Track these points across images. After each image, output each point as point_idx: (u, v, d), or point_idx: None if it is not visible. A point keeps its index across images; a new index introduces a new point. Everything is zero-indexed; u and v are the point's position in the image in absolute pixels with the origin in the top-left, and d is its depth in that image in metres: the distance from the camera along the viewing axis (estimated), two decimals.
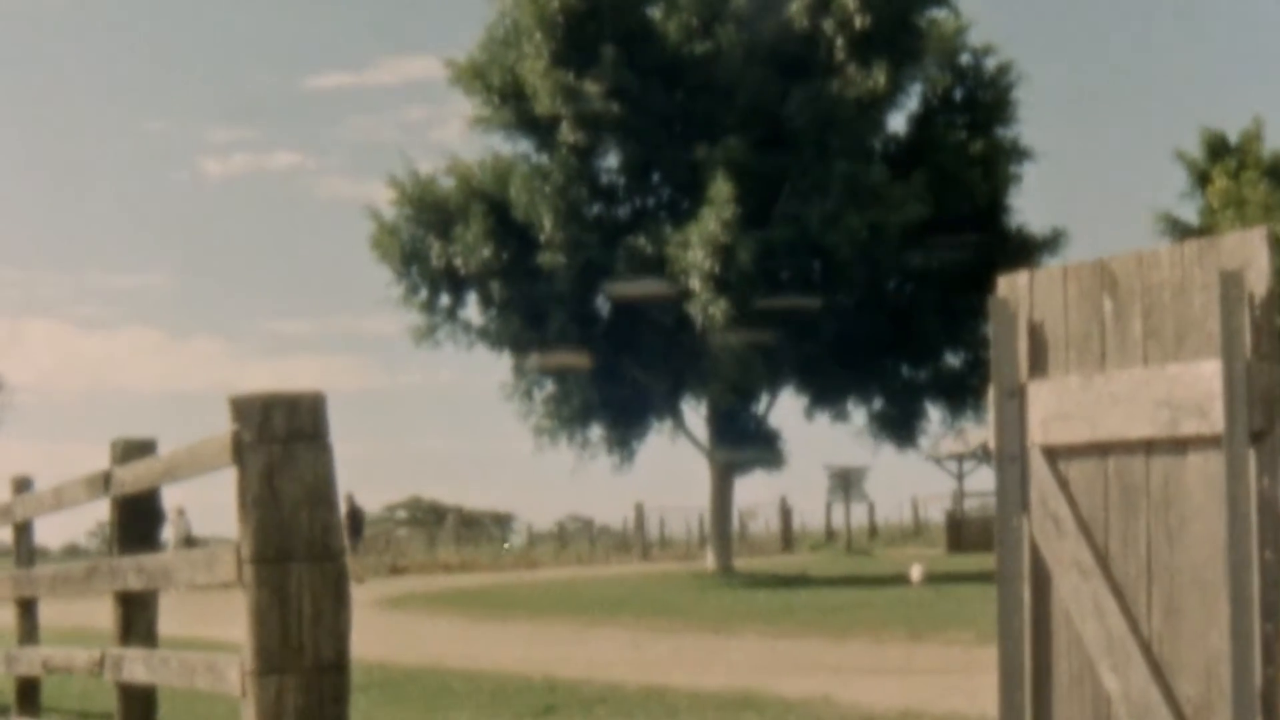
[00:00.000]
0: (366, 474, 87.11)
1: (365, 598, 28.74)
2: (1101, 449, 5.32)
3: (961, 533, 50.17)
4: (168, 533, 35.75)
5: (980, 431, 43.31)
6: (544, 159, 37.89)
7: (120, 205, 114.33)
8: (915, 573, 30.08)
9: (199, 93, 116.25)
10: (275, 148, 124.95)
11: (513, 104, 37.64)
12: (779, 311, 35.31)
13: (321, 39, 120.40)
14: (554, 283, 36.55)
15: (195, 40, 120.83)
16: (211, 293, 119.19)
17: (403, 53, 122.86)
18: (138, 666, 7.04)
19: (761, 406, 39.90)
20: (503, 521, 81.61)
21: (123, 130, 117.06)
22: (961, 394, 38.72)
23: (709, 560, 40.08)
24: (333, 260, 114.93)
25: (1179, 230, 39.44)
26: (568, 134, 36.58)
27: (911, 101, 39.14)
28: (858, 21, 35.93)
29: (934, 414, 40.21)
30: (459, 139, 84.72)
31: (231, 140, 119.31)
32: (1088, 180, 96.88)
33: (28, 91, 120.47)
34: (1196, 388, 4.93)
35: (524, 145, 38.73)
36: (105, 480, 7.42)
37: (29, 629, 10.23)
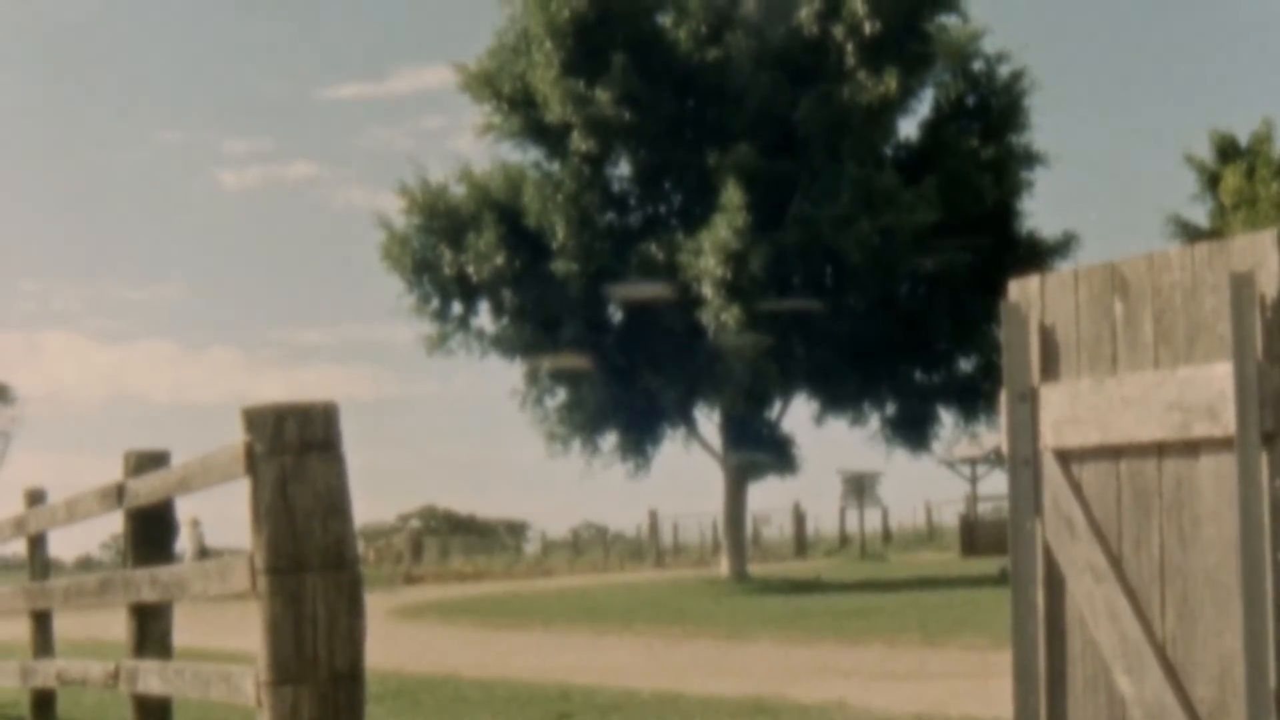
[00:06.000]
0: (380, 483, 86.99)
1: (380, 607, 28.74)
2: (1114, 452, 5.31)
3: (975, 536, 50.13)
4: (181, 544, 35.79)
5: (993, 435, 43.30)
6: (555, 167, 37.92)
7: (136, 217, 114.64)
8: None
9: (214, 104, 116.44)
10: (291, 158, 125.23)
11: (523, 112, 37.67)
12: (791, 316, 35.32)
13: (337, 49, 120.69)
14: (566, 290, 36.57)
15: (211, 51, 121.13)
16: (227, 304, 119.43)
17: (419, 62, 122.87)
18: (152, 678, 7.04)
19: (774, 412, 39.88)
20: (516, 529, 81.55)
21: (138, 142, 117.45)
22: (973, 398, 38.70)
23: (723, 566, 40.06)
24: (348, 270, 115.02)
25: (1189, 233, 39.35)
26: (579, 141, 36.59)
27: (923, 107, 39.18)
28: (867, 27, 35.94)
29: (946, 418, 40.26)
30: (475, 148, 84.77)
31: (247, 151, 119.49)
32: (1098, 184, 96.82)
33: (43, 103, 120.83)
34: (1208, 390, 4.92)
35: (535, 153, 38.80)
36: (119, 492, 7.43)
37: (43, 641, 10.24)
